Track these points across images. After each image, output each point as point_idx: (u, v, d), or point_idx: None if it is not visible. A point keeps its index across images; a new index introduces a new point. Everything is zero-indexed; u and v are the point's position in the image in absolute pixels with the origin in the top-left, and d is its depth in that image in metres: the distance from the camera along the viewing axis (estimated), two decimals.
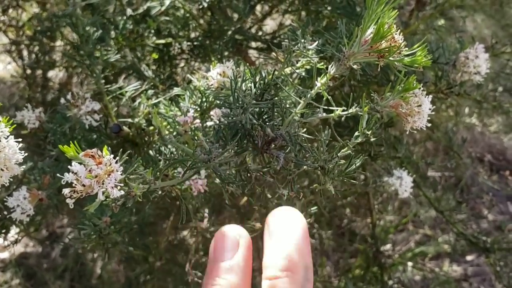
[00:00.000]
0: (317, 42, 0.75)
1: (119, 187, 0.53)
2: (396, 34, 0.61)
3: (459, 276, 2.39)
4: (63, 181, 0.57)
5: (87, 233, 0.84)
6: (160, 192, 0.82)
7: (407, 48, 0.62)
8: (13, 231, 1.09)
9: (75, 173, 0.53)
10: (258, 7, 1.61)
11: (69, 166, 0.55)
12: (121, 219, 0.88)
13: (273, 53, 0.88)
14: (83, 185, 0.55)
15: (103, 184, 0.53)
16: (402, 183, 1.03)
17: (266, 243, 0.48)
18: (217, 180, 0.95)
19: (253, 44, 1.71)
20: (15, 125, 0.61)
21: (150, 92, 1.02)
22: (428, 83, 1.10)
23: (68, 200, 0.57)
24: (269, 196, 0.77)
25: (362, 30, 0.61)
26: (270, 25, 1.86)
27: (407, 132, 0.70)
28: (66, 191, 0.56)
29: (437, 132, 1.66)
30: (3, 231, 1.02)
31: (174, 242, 1.27)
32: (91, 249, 0.88)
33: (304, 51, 0.73)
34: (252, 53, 1.76)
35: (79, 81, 1.56)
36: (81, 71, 1.61)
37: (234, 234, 0.49)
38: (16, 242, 1.09)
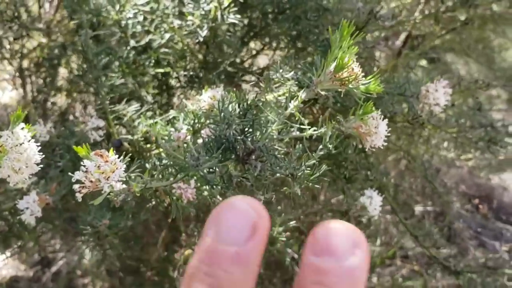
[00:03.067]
0: (293, 72, 0.88)
1: (121, 182, 0.65)
2: (355, 66, 0.74)
3: None
4: (73, 179, 0.69)
5: (87, 235, 0.95)
6: (153, 202, 0.93)
7: (364, 78, 0.75)
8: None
9: (86, 170, 0.65)
10: (252, 44, 1.76)
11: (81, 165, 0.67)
12: (118, 223, 0.98)
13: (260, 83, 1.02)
14: (91, 181, 0.67)
15: (108, 179, 0.64)
16: (372, 202, 1.14)
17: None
18: (205, 193, 1.06)
19: (247, 78, 1.86)
20: (35, 132, 0.73)
21: (149, 114, 1.14)
22: (397, 113, 1.24)
23: (77, 195, 0.68)
24: None
25: (327, 62, 0.74)
26: (263, 61, 2.01)
27: (367, 150, 0.83)
28: (75, 186, 0.68)
29: (414, 163, 1.79)
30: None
31: (164, 255, 1.36)
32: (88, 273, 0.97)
33: (282, 79, 0.86)
34: (246, 87, 1.91)
35: (82, 105, 1.69)
36: (82, 97, 1.74)
37: (251, 209, 0.34)
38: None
